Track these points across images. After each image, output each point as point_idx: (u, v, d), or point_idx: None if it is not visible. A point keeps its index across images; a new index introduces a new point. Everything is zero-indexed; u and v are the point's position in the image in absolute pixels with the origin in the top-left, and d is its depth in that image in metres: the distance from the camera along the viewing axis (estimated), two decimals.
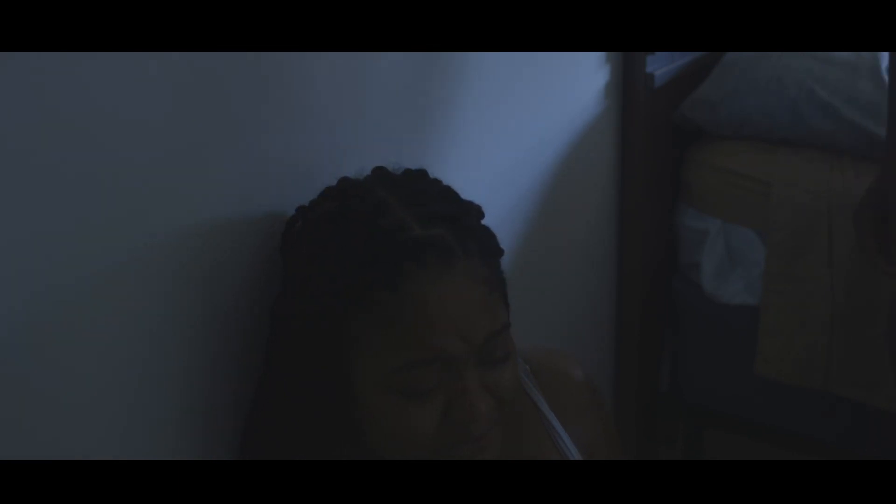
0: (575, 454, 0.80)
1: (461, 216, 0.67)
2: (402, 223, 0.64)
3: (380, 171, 0.72)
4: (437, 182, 0.71)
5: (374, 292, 0.63)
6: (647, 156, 1.50)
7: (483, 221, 0.71)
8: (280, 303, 0.70)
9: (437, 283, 0.63)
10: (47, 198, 0.58)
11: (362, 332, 0.64)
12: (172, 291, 0.68)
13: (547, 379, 0.82)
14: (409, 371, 0.63)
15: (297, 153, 0.77)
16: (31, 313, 0.58)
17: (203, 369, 0.72)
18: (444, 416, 0.64)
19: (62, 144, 0.58)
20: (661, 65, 1.48)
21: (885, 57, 1.40)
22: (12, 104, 0.54)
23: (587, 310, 1.53)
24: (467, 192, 0.72)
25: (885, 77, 1.37)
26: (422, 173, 0.72)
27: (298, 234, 0.69)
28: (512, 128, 1.14)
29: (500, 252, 0.71)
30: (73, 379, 0.62)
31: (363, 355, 0.65)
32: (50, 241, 0.58)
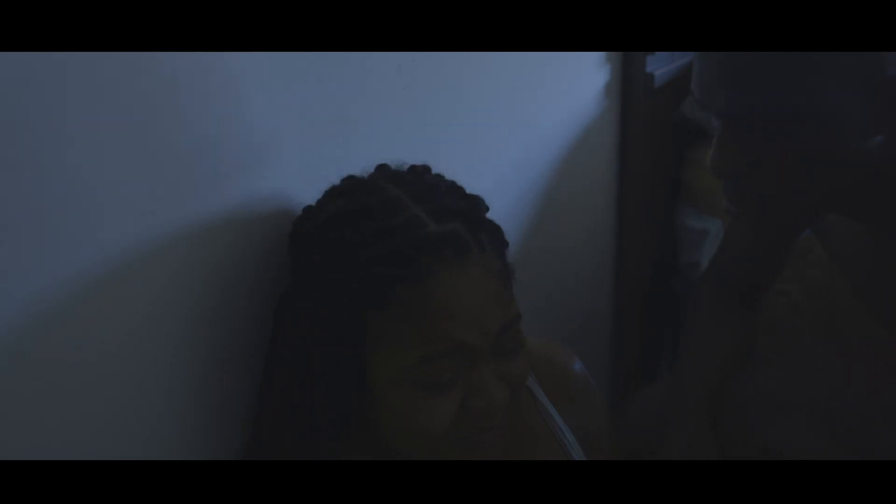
0: (572, 443, 0.81)
1: (472, 210, 0.68)
2: (417, 219, 0.64)
3: (385, 169, 0.72)
4: (442, 178, 0.72)
5: (393, 288, 0.63)
6: (647, 156, 1.51)
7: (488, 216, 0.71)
8: (289, 302, 0.70)
9: (455, 276, 0.64)
10: (51, 197, 0.58)
11: (380, 328, 0.64)
12: (176, 290, 0.68)
13: (544, 369, 0.83)
14: (427, 364, 0.64)
15: (298, 151, 0.77)
16: (33, 313, 0.58)
17: (208, 369, 0.72)
18: (460, 407, 0.65)
19: (65, 143, 0.58)
20: (661, 65, 1.49)
21: None
22: (12, 104, 0.54)
23: (587, 309, 1.53)
24: (468, 191, 0.72)
25: None
26: (426, 169, 0.72)
27: (309, 234, 0.69)
28: (512, 127, 1.14)
29: (507, 245, 0.72)
30: (76, 379, 0.62)
31: (381, 351, 0.65)
32: (53, 241, 0.58)
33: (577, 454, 0.81)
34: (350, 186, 0.71)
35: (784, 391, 0.85)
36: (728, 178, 0.73)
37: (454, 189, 0.71)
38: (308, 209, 0.71)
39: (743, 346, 0.93)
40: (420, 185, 0.68)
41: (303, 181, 0.76)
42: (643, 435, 1.00)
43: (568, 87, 1.29)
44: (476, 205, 0.69)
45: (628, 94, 1.45)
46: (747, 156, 0.70)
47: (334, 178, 0.73)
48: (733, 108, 0.68)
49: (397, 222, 0.64)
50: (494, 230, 0.70)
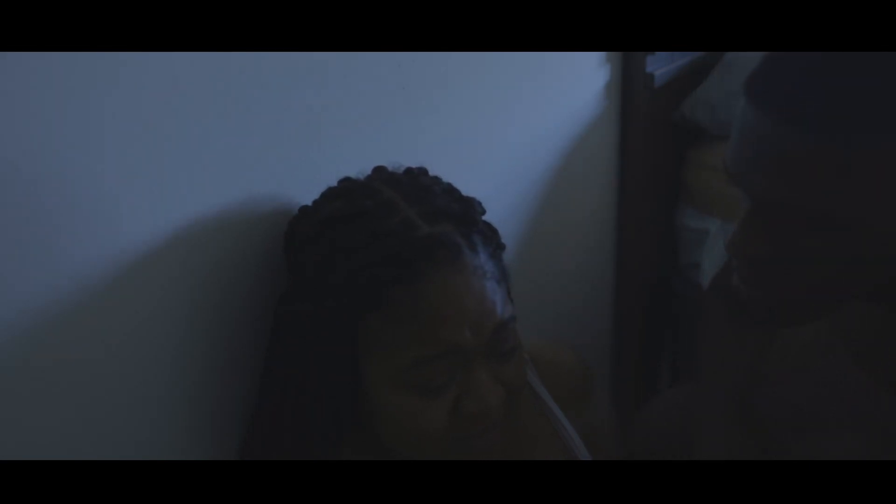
0: (576, 440, 0.81)
1: (466, 213, 0.68)
2: (410, 221, 0.65)
3: (381, 171, 0.73)
4: (438, 180, 0.72)
5: (387, 290, 0.63)
6: (647, 156, 1.51)
7: (484, 218, 0.71)
8: (286, 302, 0.70)
9: (448, 278, 0.64)
10: (51, 198, 0.58)
11: (375, 329, 0.65)
12: (176, 290, 0.68)
13: (545, 367, 0.83)
14: (420, 367, 0.64)
15: (297, 152, 0.77)
16: (34, 313, 0.58)
17: (208, 369, 0.72)
18: (454, 408, 0.66)
19: (65, 144, 0.58)
20: (661, 65, 1.49)
21: None
22: (12, 104, 0.54)
23: (587, 310, 1.54)
24: (468, 191, 0.72)
25: None
26: (423, 171, 0.73)
27: (305, 235, 0.70)
28: (512, 128, 1.14)
29: (503, 247, 0.72)
30: (77, 379, 0.62)
31: (375, 353, 0.65)
32: (53, 241, 0.58)
33: (583, 454, 0.81)
34: (346, 188, 0.71)
35: (806, 403, 0.82)
36: (746, 261, 0.68)
37: (449, 191, 0.71)
38: (304, 209, 0.72)
39: (763, 352, 0.90)
40: (415, 187, 0.69)
41: (303, 181, 0.76)
42: (664, 439, 0.98)
43: (568, 87, 1.29)
44: (470, 207, 0.69)
45: (628, 94, 1.45)
46: (773, 243, 0.66)
47: (333, 179, 0.73)
48: (770, 195, 0.63)
49: (390, 224, 0.65)
50: (489, 232, 0.70)
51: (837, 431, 0.76)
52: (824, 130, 0.59)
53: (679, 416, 0.97)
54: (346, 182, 0.73)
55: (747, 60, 1.53)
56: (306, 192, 0.73)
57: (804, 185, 0.61)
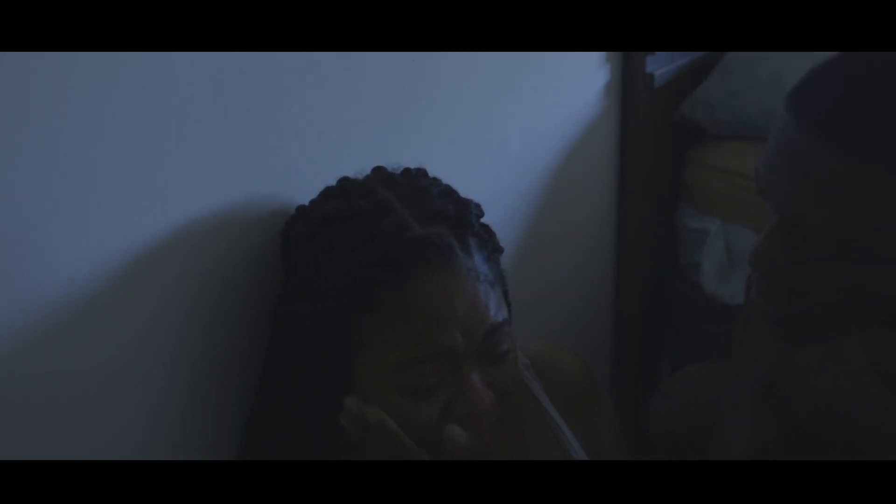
0: (575, 446, 0.80)
1: (461, 214, 0.67)
2: (405, 223, 0.64)
3: (380, 171, 0.73)
4: (436, 181, 0.72)
5: (378, 291, 0.63)
6: (647, 156, 1.50)
7: (483, 220, 0.71)
8: (282, 302, 0.70)
9: (439, 280, 0.64)
10: (48, 197, 0.58)
11: (366, 330, 0.64)
12: (176, 290, 0.68)
13: (546, 372, 0.83)
14: (411, 368, 0.64)
15: (297, 153, 0.77)
16: (32, 313, 0.58)
17: (206, 369, 0.72)
18: (445, 411, 0.65)
19: (63, 142, 0.58)
20: (661, 65, 1.48)
21: None
22: (12, 103, 0.54)
23: (587, 310, 1.53)
24: (467, 191, 0.72)
25: None
26: (421, 172, 0.73)
27: (300, 234, 0.70)
28: (512, 128, 1.14)
29: (500, 250, 0.71)
30: (74, 379, 0.62)
31: (366, 354, 0.65)
32: (53, 242, 0.58)
33: (582, 459, 0.80)
34: (343, 188, 0.71)
35: (828, 393, 0.81)
36: (767, 274, 0.68)
37: (447, 192, 0.70)
38: (301, 209, 0.72)
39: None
40: (412, 188, 0.68)
41: (302, 181, 0.76)
42: (686, 416, 0.96)
43: (568, 87, 1.29)
44: (467, 209, 0.69)
45: (628, 94, 1.45)
46: (794, 260, 0.65)
47: (333, 179, 0.73)
48: (798, 211, 0.62)
49: (384, 225, 0.64)
50: (486, 235, 0.70)
51: (853, 425, 0.75)
52: (861, 152, 0.58)
53: (702, 394, 0.96)
54: (343, 182, 0.73)
55: (747, 60, 1.52)
56: (306, 192, 0.73)
57: (832, 205, 0.60)
